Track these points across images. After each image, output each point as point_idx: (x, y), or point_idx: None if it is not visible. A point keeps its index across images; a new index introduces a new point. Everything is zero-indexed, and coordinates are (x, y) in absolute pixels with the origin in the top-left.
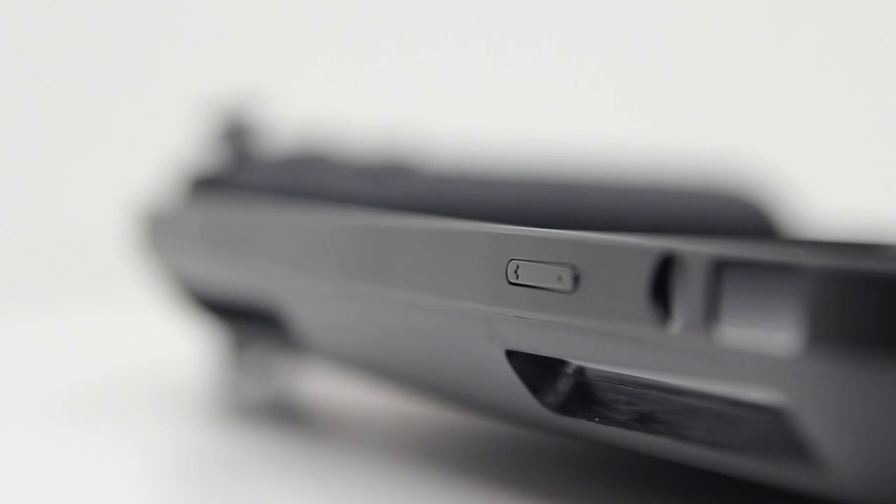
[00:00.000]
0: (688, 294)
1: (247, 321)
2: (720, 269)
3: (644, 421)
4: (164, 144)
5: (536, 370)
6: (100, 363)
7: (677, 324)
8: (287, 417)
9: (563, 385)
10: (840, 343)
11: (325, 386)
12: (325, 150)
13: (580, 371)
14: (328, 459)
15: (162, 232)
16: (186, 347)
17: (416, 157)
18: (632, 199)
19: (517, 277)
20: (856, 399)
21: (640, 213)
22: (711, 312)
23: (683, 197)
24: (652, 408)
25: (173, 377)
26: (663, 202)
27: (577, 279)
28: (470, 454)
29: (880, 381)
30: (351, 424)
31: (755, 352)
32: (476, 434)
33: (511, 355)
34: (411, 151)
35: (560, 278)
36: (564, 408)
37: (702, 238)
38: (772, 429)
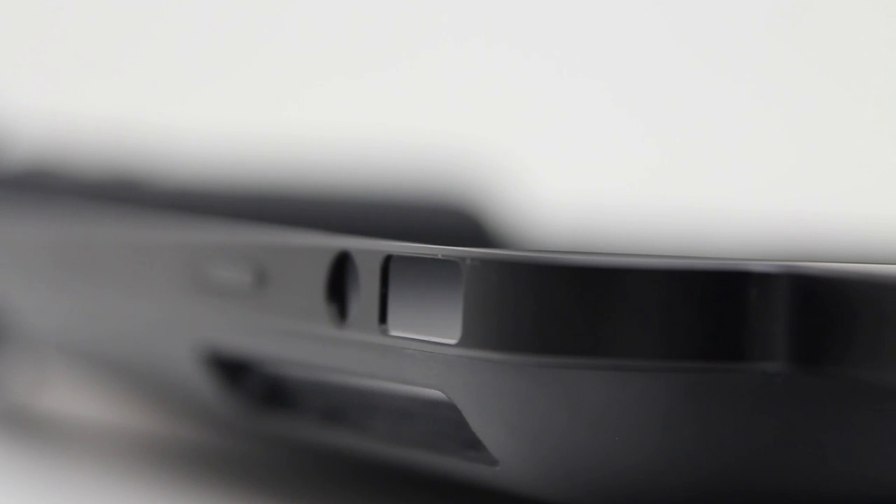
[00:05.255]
0: (359, 291)
1: None
2: (388, 267)
3: (331, 418)
4: None
5: (230, 370)
6: None
7: (351, 321)
8: (17, 428)
9: (256, 385)
10: (492, 338)
11: (63, 398)
12: (54, 164)
13: (272, 370)
14: (56, 473)
15: None
16: None
17: (147, 168)
18: (347, 209)
19: (207, 278)
20: (510, 393)
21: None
22: (381, 309)
23: (400, 209)
24: (339, 406)
25: None
26: (379, 213)
27: (262, 279)
28: (200, 467)
29: (533, 376)
30: (85, 438)
31: (420, 348)
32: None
33: (204, 356)
34: (142, 163)
35: (246, 278)
36: (257, 407)
37: (373, 238)
38: (449, 424)
